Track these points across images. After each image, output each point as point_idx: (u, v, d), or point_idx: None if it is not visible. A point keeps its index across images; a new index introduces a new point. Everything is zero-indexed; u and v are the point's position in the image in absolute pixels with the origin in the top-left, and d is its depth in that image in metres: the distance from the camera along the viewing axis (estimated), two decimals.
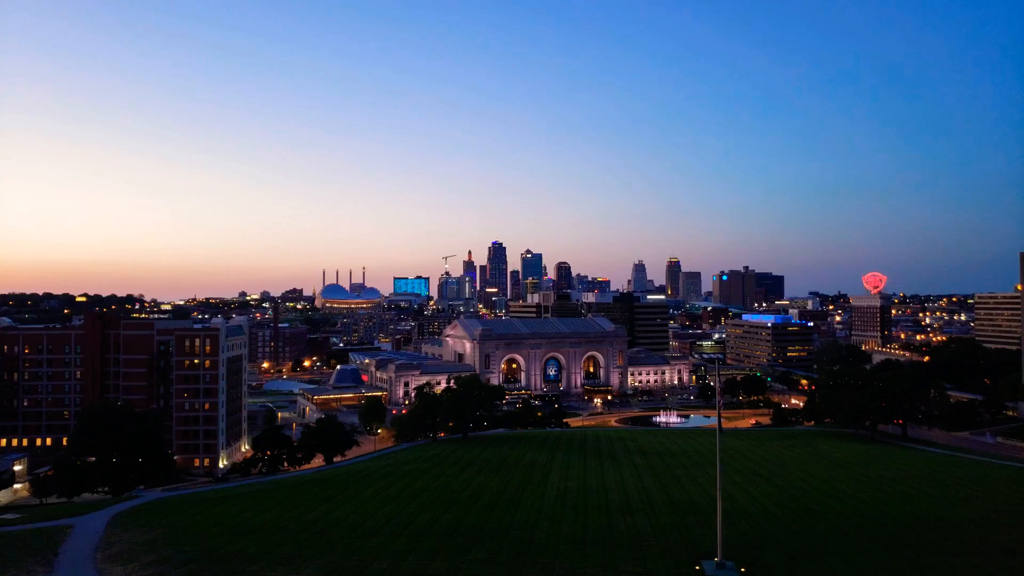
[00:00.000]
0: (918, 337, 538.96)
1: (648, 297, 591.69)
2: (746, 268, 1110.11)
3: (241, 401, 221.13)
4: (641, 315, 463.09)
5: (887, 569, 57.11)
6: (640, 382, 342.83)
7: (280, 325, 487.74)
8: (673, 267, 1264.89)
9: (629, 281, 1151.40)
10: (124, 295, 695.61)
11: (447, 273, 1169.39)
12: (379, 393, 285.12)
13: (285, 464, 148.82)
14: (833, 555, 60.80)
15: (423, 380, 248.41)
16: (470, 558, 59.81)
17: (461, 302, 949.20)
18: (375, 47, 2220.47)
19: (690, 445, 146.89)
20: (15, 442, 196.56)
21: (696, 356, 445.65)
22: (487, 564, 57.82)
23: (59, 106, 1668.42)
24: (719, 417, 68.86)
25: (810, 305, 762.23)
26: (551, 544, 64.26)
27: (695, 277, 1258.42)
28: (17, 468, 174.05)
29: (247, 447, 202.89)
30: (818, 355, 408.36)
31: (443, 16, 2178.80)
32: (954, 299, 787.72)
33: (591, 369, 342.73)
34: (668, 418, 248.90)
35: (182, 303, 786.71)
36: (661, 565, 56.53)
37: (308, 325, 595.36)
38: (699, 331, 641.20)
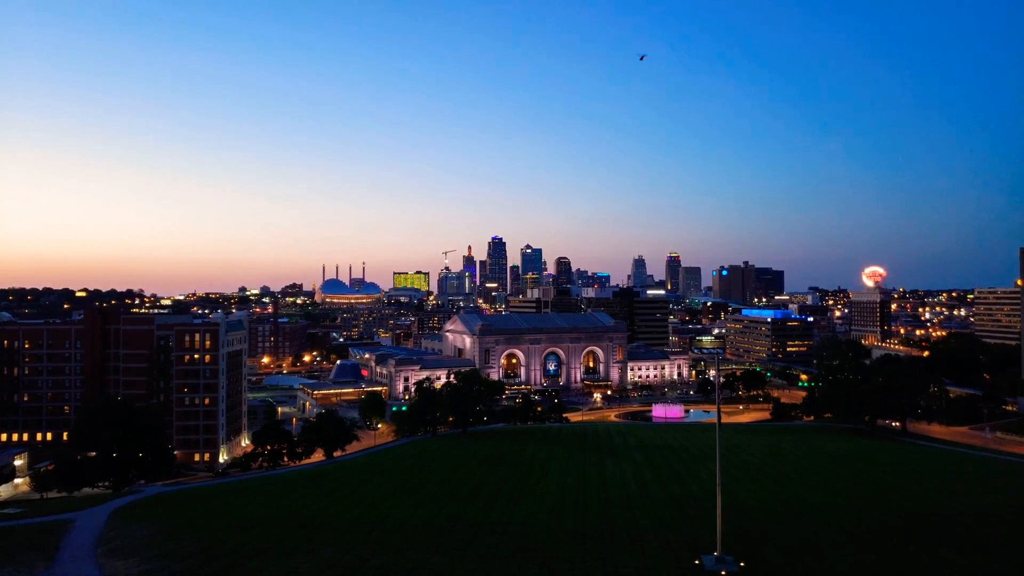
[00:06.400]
0: (918, 332, 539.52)
1: (648, 292, 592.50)
2: (746, 263, 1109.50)
3: (241, 396, 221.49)
4: (641, 310, 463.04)
5: (886, 564, 57.16)
6: (640, 377, 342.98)
7: (280, 320, 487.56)
8: (673, 262, 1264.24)
9: (629, 276, 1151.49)
10: (124, 290, 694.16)
11: (447, 268, 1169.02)
12: (379, 388, 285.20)
13: (285, 459, 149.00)
14: (832, 550, 60.84)
15: (423, 375, 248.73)
16: (470, 553, 59.82)
17: (461, 297, 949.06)
18: (374, 44, 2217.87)
19: (690, 440, 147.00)
20: (15, 437, 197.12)
21: (696, 351, 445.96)
22: (487, 559, 57.81)
23: (60, 102, 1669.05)
24: (719, 412, 69.05)
25: (810, 300, 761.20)
26: (551, 539, 64.27)
27: (695, 272, 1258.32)
28: (17, 463, 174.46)
29: (247, 442, 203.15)
30: (817, 350, 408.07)
31: (442, 12, 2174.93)
32: (954, 294, 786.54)
33: (591, 364, 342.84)
34: (667, 412, 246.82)
35: (182, 298, 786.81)
36: (660, 560, 56.54)
37: (308, 320, 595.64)
38: (699, 326, 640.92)
